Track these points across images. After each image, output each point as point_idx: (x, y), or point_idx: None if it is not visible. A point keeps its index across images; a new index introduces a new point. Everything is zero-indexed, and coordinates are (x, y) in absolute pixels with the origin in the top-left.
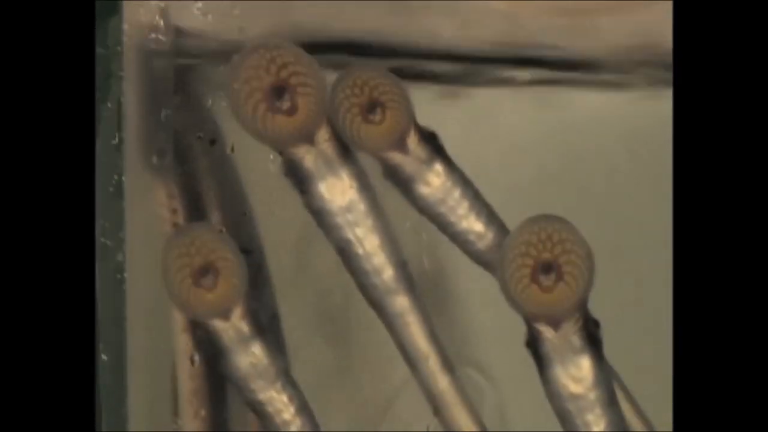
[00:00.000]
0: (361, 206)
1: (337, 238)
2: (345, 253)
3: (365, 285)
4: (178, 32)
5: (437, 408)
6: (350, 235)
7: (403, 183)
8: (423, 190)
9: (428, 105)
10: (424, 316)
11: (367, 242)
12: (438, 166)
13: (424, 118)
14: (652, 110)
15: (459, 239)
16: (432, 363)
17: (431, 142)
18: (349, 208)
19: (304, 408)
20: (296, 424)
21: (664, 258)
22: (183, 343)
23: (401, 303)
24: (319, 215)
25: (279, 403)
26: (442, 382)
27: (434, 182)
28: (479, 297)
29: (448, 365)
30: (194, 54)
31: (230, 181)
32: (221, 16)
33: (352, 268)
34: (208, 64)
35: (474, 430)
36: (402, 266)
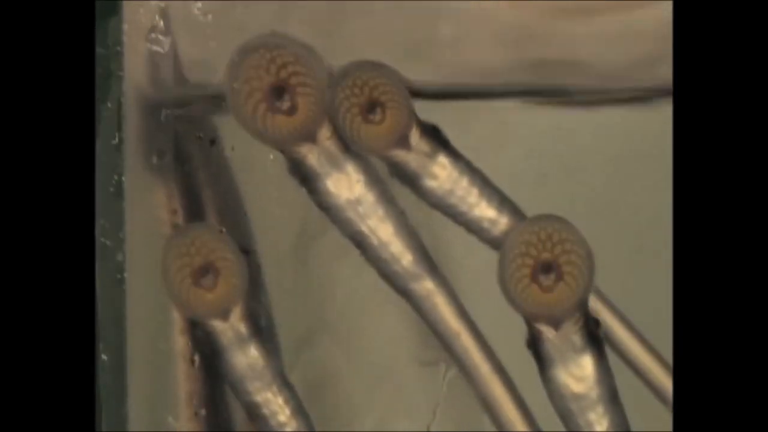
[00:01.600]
0: (370, 198)
1: (350, 232)
2: (361, 245)
3: (387, 273)
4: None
5: (476, 386)
6: (363, 228)
7: (409, 179)
8: (430, 184)
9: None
10: (450, 296)
11: (381, 232)
12: (442, 158)
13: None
14: (653, 110)
15: (474, 228)
16: (464, 339)
17: (433, 135)
18: (358, 202)
19: (299, 410)
20: (292, 426)
21: (664, 258)
22: (183, 343)
23: (426, 286)
24: (329, 211)
25: (275, 405)
26: (476, 357)
27: (440, 175)
28: (480, 296)
29: (481, 340)
30: None
31: (230, 181)
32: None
33: (371, 258)
34: None
35: (513, 405)
36: (421, 250)
